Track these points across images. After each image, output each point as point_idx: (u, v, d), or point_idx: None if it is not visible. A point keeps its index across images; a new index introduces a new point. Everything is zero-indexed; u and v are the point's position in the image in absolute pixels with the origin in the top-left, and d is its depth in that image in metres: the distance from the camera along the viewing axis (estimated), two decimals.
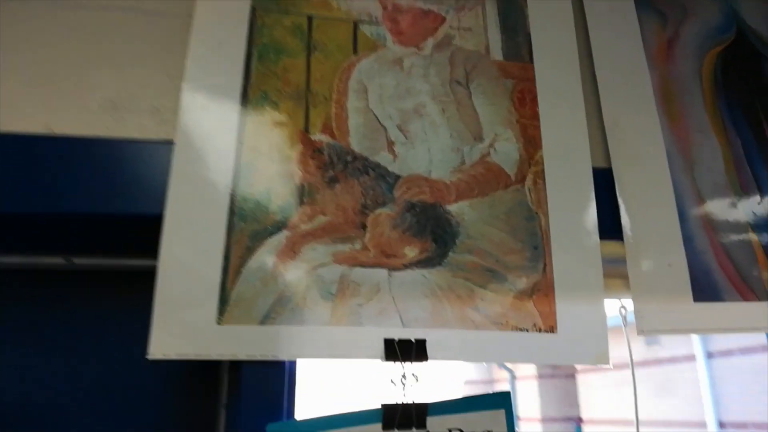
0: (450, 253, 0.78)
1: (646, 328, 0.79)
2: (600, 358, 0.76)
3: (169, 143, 0.78)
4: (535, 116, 0.89)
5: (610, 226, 0.85)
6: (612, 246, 0.85)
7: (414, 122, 0.85)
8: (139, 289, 0.87)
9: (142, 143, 0.78)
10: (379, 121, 0.84)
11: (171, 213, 0.73)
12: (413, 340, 0.72)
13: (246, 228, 0.74)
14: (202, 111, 0.79)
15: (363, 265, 0.75)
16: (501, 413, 0.70)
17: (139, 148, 0.78)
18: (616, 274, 0.85)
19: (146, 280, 0.73)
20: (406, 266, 0.76)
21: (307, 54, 0.86)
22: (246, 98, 0.81)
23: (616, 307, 0.89)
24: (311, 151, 0.80)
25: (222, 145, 0.78)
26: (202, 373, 0.85)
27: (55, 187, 0.74)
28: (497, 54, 0.92)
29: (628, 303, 0.86)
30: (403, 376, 0.70)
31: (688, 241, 0.84)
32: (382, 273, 0.75)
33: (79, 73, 0.80)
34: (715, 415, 4.80)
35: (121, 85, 0.81)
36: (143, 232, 0.77)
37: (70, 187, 0.74)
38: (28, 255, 0.84)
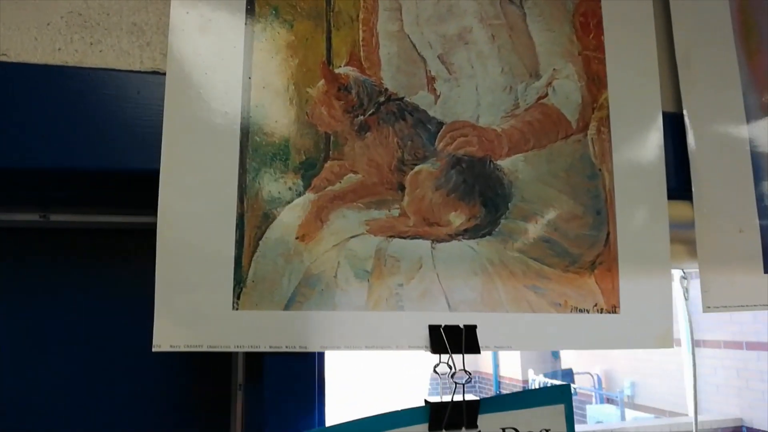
0: (502, 220, 0.68)
1: (713, 304, 0.72)
2: (663, 340, 0.69)
3: (158, 74, 0.63)
4: (600, 47, 0.75)
5: (675, 184, 0.76)
6: (675, 207, 0.76)
7: (459, 52, 0.71)
8: (135, 250, 0.75)
9: (124, 74, 0.63)
10: (416, 50, 0.70)
11: (167, 170, 0.60)
12: (462, 327, 0.63)
13: (262, 190, 0.62)
14: (198, 32, 0.63)
15: (402, 235, 0.65)
16: (560, 408, 0.64)
17: (122, 81, 0.62)
18: (677, 239, 0.77)
19: (145, 238, 0.61)
20: (451, 236, 0.66)
21: None
22: (252, 15, 0.65)
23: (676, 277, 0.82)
24: (336, 88, 0.66)
25: (225, 79, 0.63)
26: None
27: (12, 131, 0.59)
28: None
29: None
30: (452, 369, 0.62)
31: (761, 202, 0.76)
32: (424, 245, 0.65)
33: None
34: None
35: None
36: (136, 188, 0.64)
37: (31, 132, 0.59)
38: None
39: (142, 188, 0.62)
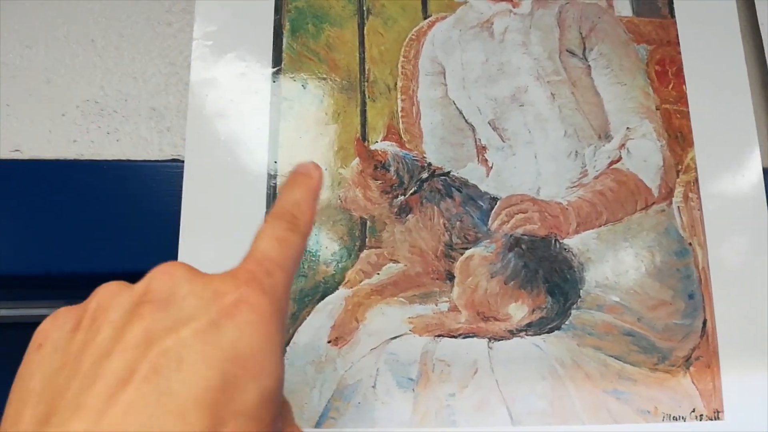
0: (573, 311, 0.64)
1: None
2: None
3: (178, 162, 0.64)
4: (682, 97, 0.72)
5: None
6: None
7: (513, 116, 0.69)
8: None
9: (143, 165, 0.64)
10: (463, 117, 0.68)
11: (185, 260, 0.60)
12: None
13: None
14: (218, 116, 0.65)
15: (452, 334, 0.62)
16: None
17: (142, 173, 0.64)
18: None
19: None
20: (512, 333, 0.62)
21: (359, 21, 0.70)
22: (278, 93, 0.66)
23: None
24: (372, 167, 0.65)
25: (248, 164, 0.64)
26: None
27: (26, 235, 0.61)
28: (624, 7, 0.74)
29: None
30: None
31: None
32: (479, 344, 0.62)
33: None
34: None
35: (107, 78, 0.67)
36: None
37: (46, 236, 0.61)
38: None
39: None
